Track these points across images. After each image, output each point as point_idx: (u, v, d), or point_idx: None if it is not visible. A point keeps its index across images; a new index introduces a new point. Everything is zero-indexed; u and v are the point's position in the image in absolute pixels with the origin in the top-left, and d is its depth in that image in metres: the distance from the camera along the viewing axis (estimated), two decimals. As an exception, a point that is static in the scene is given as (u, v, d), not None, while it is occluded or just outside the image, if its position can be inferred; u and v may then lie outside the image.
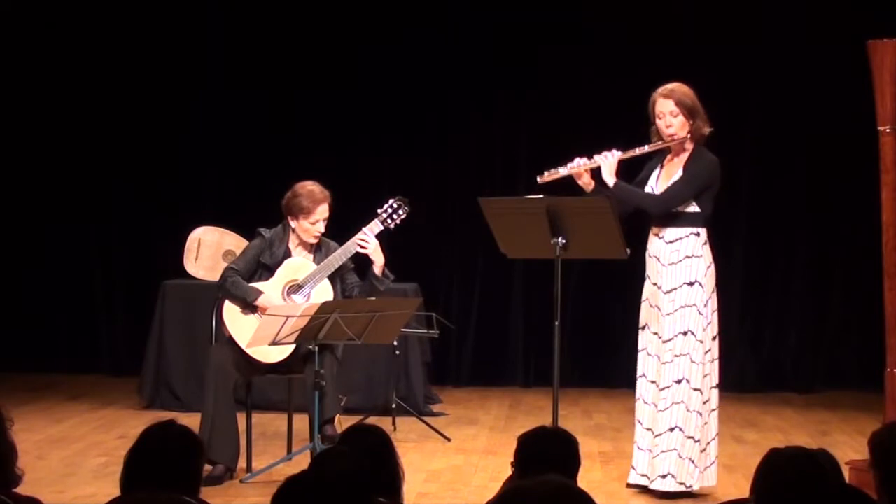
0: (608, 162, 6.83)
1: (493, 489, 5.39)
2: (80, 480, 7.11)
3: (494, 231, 6.87)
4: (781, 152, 10.82)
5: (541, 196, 6.72)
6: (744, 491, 6.48)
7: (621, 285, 10.12)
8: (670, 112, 6.80)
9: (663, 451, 6.78)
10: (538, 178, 6.83)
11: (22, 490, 3.92)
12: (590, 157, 6.87)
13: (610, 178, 6.82)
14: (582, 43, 10.73)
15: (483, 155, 10.94)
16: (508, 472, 4.39)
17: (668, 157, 6.95)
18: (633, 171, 7.06)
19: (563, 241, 6.65)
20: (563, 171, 6.84)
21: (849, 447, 8.02)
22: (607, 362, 10.64)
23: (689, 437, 6.75)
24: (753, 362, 10.89)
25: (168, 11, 10.98)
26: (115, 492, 3.69)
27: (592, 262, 9.75)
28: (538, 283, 10.46)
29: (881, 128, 6.70)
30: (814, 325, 10.92)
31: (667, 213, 6.83)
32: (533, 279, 10.73)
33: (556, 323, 6.67)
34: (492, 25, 10.90)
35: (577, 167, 6.84)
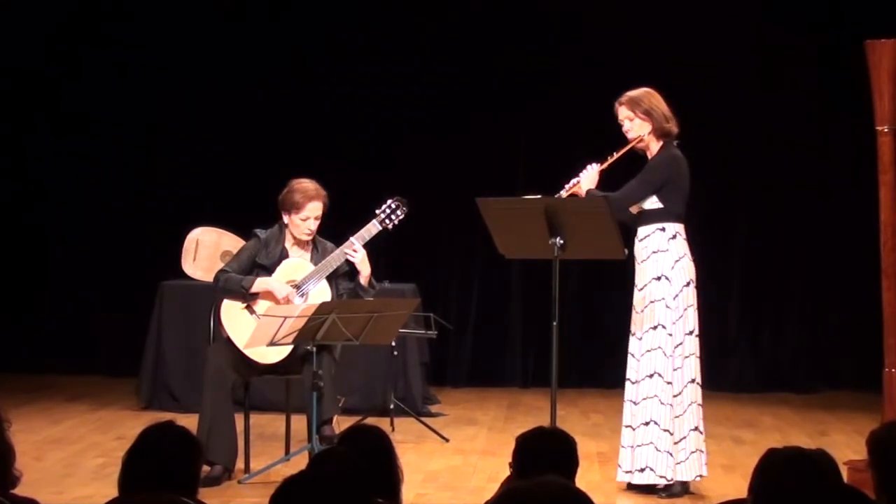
0: (588, 175, 7.00)
1: (492, 490, 5.39)
2: (79, 481, 7.10)
3: (492, 231, 6.89)
4: (779, 153, 10.82)
5: (539, 196, 6.77)
6: (741, 491, 6.48)
7: (620, 285, 10.09)
8: (627, 117, 7.02)
9: (640, 445, 6.84)
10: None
11: (20, 491, 3.91)
12: (578, 175, 7.00)
13: (587, 187, 6.94)
14: (582, 44, 10.73)
15: (482, 155, 10.93)
16: (507, 472, 4.39)
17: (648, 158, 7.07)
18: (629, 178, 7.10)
19: (561, 242, 6.68)
20: (563, 193, 6.96)
21: (847, 447, 8.03)
22: (605, 363, 10.62)
23: (665, 431, 6.80)
24: (752, 362, 10.90)
25: (168, 11, 10.97)
26: (114, 493, 3.69)
27: (591, 263, 9.75)
28: (536, 283, 10.46)
29: (879, 128, 6.72)
30: (812, 325, 10.93)
31: (624, 209, 6.94)
32: (531, 279, 10.73)
33: (555, 323, 6.68)
34: (492, 26, 10.90)
35: (571, 187, 6.95)
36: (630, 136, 7.00)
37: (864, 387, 9.52)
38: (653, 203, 6.90)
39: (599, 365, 10.72)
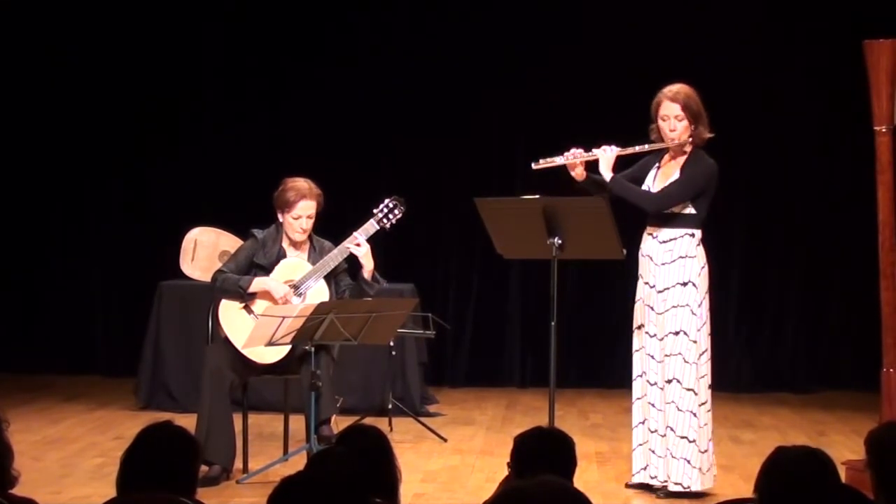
0: (606, 156, 6.84)
1: (490, 489, 5.38)
2: (77, 481, 7.10)
3: (490, 231, 6.89)
4: (778, 153, 10.82)
5: (537, 196, 6.74)
6: (740, 491, 6.50)
7: (618, 285, 10.13)
8: (675, 116, 6.79)
9: (662, 454, 6.80)
10: (533, 165, 6.85)
11: (18, 491, 3.90)
12: (587, 150, 6.87)
13: (607, 173, 6.82)
14: (581, 44, 10.72)
15: (480, 155, 10.93)
16: (505, 472, 4.39)
17: (666, 157, 6.94)
18: (626, 166, 7.07)
19: (560, 242, 6.66)
20: (559, 160, 6.85)
21: (845, 447, 8.03)
22: (604, 363, 10.64)
23: (683, 438, 6.74)
24: (750, 362, 10.89)
25: (165, 11, 10.97)
26: (112, 493, 3.68)
27: (589, 262, 9.74)
28: (534, 283, 10.45)
29: (877, 128, 6.72)
30: (810, 324, 10.92)
31: (660, 212, 6.83)
32: (529, 279, 10.72)
33: (553, 323, 6.67)
34: (491, 25, 10.89)
35: (574, 158, 6.84)
36: (672, 135, 6.79)
37: (863, 387, 9.52)
38: (686, 209, 6.80)
39: (598, 365, 10.73)
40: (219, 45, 10.97)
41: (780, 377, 10.87)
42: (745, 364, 10.85)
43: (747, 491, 3.81)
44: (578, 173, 6.87)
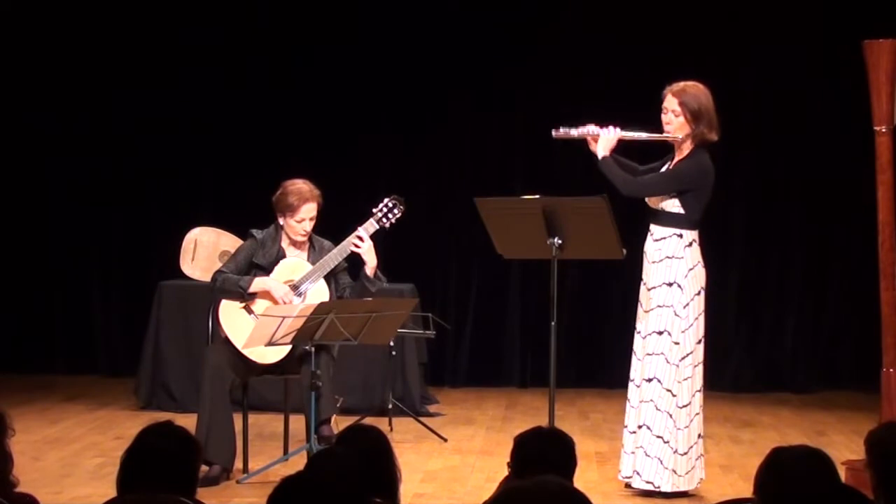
0: (607, 137, 6.85)
1: (490, 489, 5.39)
2: (77, 481, 7.10)
3: (490, 231, 6.89)
4: (777, 153, 10.83)
5: (537, 196, 6.75)
6: (740, 491, 6.51)
7: (618, 286, 10.12)
8: (672, 110, 6.80)
9: (632, 451, 6.81)
10: (553, 132, 6.89)
11: (18, 491, 3.91)
12: (601, 126, 6.89)
13: (602, 152, 6.84)
14: (581, 42, 10.71)
15: (480, 154, 10.93)
16: (505, 472, 4.39)
17: (675, 154, 6.95)
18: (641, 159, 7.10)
19: (560, 242, 6.66)
20: (573, 132, 6.89)
21: (845, 447, 8.03)
22: (604, 363, 10.63)
23: (658, 437, 6.73)
24: (750, 362, 10.89)
25: (165, 11, 10.97)
26: (112, 493, 3.69)
27: (589, 262, 9.75)
28: (534, 283, 10.45)
29: (877, 128, 6.73)
30: (810, 324, 10.92)
31: (634, 198, 6.87)
32: (529, 279, 10.72)
33: (553, 323, 6.68)
34: (489, 23, 10.89)
35: (587, 133, 6.88)
36: (668, 129, 6.81)
37: (863, 387, 9.52)
38: (673, 206, 6.79)
39: (598, 365, 10.72)
40: (219, 45, 10.96)
41: (780, 377, 10.87)
42: (745, 364, 10.85)
43: (747, 491, 3.81)
44: (595, 149, 6.89)
